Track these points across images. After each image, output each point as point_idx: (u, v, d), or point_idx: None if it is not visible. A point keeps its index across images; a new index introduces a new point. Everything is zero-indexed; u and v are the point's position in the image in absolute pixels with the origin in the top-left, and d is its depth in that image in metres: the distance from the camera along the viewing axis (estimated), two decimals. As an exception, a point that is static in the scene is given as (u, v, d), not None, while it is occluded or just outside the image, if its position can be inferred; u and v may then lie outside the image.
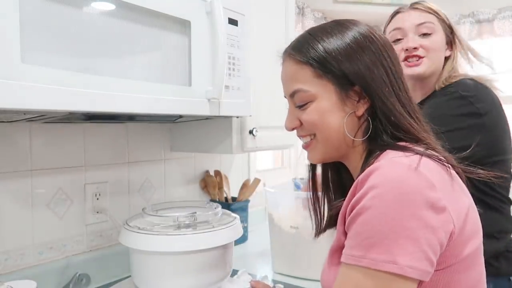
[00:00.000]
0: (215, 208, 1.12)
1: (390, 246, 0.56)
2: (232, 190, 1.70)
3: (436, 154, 0.66)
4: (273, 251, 1.35)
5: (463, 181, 0.69)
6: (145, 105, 0.88)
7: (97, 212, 1.23)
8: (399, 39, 1.14)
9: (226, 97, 1.06)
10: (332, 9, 2.34)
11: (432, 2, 1.18)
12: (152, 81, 0.90)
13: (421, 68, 1.11)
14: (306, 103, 0.72)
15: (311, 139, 0.75)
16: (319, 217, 0.86)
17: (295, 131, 0.78)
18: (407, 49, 1.11)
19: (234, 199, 1.67)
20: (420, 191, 0.57)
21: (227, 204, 1.60)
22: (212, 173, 1.64)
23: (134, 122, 1.32)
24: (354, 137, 0.71)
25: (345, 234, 0.64)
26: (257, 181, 1.70)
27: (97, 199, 1.23)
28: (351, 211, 0.62)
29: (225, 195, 1.64)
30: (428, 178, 0.59)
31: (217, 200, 1.60)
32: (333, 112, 0.71)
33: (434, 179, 0.60)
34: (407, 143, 0.68)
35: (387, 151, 0.67)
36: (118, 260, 1.23)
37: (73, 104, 0.75)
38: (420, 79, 1.13)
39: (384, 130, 0.69)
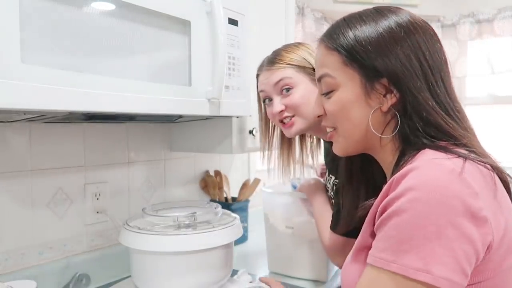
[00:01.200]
0: (215, 208, 1.12)
1: (424, 254, 0.53)
2: (232, 190, 1.70)
3: (482, 159, 0.61)
4: (269, 251, 1.35)
5: (507, 189, 0.64)
6: (145, 105, 0.88)
7: (97, 212, 1.23)
8: (270, 101, 1.07)
9: (226, 97, 1.06)
10: (332, 9, 2.34)
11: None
12: (152, 81, 0.90)
13: (294, 128, 1.04)
14: (331, 91, 0.70)
15: (333, 129, 0.73)
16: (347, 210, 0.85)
17: None
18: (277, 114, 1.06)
19: (234, 199, 1.67)
20: (461, 198, 0.54)
21: (227, 204, 1.60)
22: (212, 173, 1.64)
23: (134, 122, 1.32)
24: (381, 135, 0.68)
25: (373, 234, 0.62)
26: (257, 181, 1.70)
27: (97, 199, 1.23)
28: (383, 211, 0.58)
29: (225, 195, 1.64)
30: (471, 185, 0.55)
31: (217, 200, 1.60)
32: (356, 105, 0.68)
33: (477, 186, 0.56)
34: (447, 143, 0.63)
35: (426, 150, 0.62)
36: (118, 260, 1.23)
37: (73, 104, 0.75)
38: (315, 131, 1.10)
39: (414, 127, 0.65)
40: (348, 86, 0.68)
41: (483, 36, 2.46)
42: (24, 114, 0.84)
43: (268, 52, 1.10)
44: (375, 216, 0.61)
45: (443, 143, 0.63)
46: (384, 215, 0.58)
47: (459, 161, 0.58)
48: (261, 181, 1.71)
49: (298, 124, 1.03)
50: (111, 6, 0.82)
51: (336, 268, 1.29)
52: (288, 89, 1.03)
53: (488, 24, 2.43)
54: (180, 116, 1.09)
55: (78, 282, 1.11)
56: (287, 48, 1.08)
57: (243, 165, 1.88)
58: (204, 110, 1.02)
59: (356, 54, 0.66)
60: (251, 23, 1.18)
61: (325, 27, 2.34)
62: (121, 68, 0.84)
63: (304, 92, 1.02)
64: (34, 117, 0.89)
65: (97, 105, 0.78)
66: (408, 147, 0.66)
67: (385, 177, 0.77)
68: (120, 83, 0.83)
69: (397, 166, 0.66)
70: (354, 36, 0.67)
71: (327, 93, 0.71)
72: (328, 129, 0.75)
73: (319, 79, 0.73)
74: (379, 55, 0.65)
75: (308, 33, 2.16)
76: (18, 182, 1.06)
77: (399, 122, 0.66)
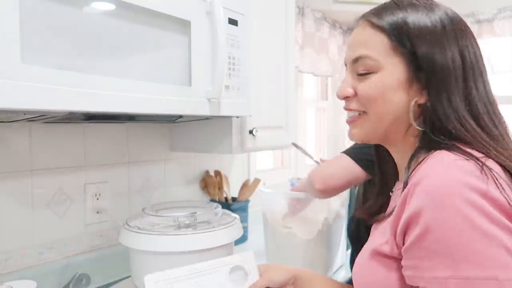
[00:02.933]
0: (215, 208, 1.12)
1: (485, 259, 0.50)
2: (232, 190, 1.70)
3: (499, 156, 0.58)
4: (267, 251, 1.35)
5: None
6: (145, 105, 0.88)
7: (97, 212, 1.23)
8: None
9: (226, 97, 1.06)
10: (332, 9, 2.33)
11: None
12: (152, 81, 0.90)
13: None
14: (369, 73, 0.65)
15: (359, 114, 0.68)
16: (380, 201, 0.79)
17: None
18: None
19: (234, 199, 1.67)
20: (488, 194, 0.52)
21: (227, 204, 1.60)
22: (212, 173, 1.64)
23: (134, 122, 1.32)
24: (417, 126, 0.64)
25: (394, 243, 0.59)
26: (257, 181, 1.70)
27: (97, 199, 1.23)
28: (409, 223, 0.55)
29: (225, 195, 1.64)
30: (491, 180, 0.53)
31: (217, 200, 1.60)
32: (397, 92, 0.64)
33: (501, 181, 0.54)
34: (462, 145, 0.60)
35: (437, 152, 0.60)
36: (118, 260, 1.23)
37: (73, 104, 0.75)
38: None
39: (436, 124, 0.62)
40: (391, 70, 0.64)
41: (483, 36, 2.46)
42: (24, 114, 0.84)
43: (268, 52, 1.10)
44: (394, 226, 0.59)
45: (456, 144, 0.61)
46: (417, 230, 0.54)
47: (476, 161, 0.56)
48: (261, 181, 1.71)
49: None
50: (111, 6, 0.82)
51: (335, 268, 1.29)
52: None
53: (488, 24, 2.43)
54: (180, 116, 1.09)
55: (78, 282, 1.11)
56: None
57: (243, 165, 1.87)
58: (204, 110, 1.02)
59: (405, 39, 0.63)
60: (251, 23, 1.18)
61: (325, 27, 2.34)
62: (121, 68, 0.84)
63: None
64: (34, 117, 0.89)
65: (97, 105, 0.78)
66: (423, 145, 0.64)
67: (396, 174, 0.76)
68: (120, 83, 0.83)
69: (409, 164, 0.64)
70: (406, 18, 0.64)
71: (364, 74, 0.66)
72: (352, 113, 0.70)
73: (356, 60, 0.67)
74: (430, 44, 0.62)
75: (308, 33, 2.16)
76: (18, 182, 1.06)
77: (423, 117, 0.64)
